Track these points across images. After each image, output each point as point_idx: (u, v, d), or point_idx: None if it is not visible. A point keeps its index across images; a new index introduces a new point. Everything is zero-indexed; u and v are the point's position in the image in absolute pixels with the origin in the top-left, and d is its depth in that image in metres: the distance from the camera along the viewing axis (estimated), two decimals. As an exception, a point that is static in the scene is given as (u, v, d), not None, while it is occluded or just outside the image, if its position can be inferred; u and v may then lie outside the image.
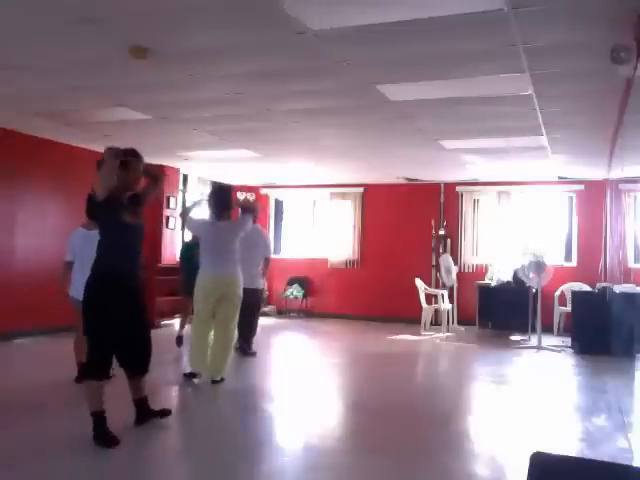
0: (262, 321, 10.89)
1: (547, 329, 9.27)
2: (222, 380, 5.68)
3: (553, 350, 8.21)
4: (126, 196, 3.99)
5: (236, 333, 6.00)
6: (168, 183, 10.30)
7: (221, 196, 5.90)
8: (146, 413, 4.12)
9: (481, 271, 10.82)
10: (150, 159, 9.93)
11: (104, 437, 3.70)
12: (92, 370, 3.78)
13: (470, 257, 11.11)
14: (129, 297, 3.92)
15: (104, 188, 3.80)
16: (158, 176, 4.43)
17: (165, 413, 4.20)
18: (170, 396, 5.47)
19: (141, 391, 4.12)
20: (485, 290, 9.91)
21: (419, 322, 9.90)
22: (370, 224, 11.78)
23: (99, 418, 3.75)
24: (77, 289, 4.68)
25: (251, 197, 11.55)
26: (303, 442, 4.18)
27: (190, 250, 6.13)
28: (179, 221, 10.87)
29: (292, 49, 4.57)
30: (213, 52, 4.71)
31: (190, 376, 5.78)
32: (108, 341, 3.82)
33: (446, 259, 10.48)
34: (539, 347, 8.33)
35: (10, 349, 7.36)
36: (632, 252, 10.00)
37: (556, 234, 10.86)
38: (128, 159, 3.95)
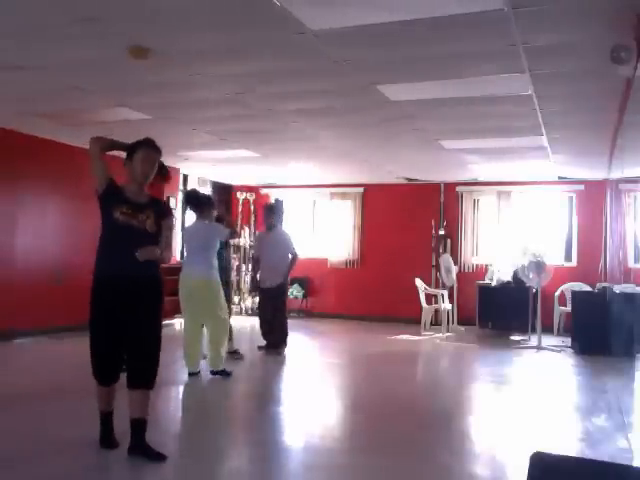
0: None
1: (547, 329, 9.27)
2: (225, 373, 5.79)
3: (553, 350, 8.21)
4: (139, 193, 3.61)
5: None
6: (168, 183, 10.29)
7: (189, 198, 6.28)
8: (140, 443, 3.51)
9: (481, 271, 10.81)
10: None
11: (105, 438, 3.68)
12: (96, 376, 3.61)
13: (470, 257, 11.11)
14: (130, 302, 3.51)
15: (98, 177, 3.55)
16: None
17: (160, 458, 3.49)
18: (170, 396, 5.47)
19: (139, 410, 3.53)
20: (485, 290, 9.91)
21: (419, 322, 9.90)
22: (370, 224, 11.77)
23: (104, 418, 3.70)
24: None
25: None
26: (303, 442, 4.17)
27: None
28: (179, 221, 10.89)
29: (292, 49, 4.57)
30: (213, 52, 4.72)
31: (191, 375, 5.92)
32: (106, 346, 3.55)
33: (446, 259, 10.48)
34: (539, 347, 8.32)
35: (10, 349, 7.37)
36: (632, 252, 9.99)
37: (556, 234, 10.85)
38: (136, 149, 3.60)
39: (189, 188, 6.83)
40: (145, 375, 3.54)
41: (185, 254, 6.21)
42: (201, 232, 5.94)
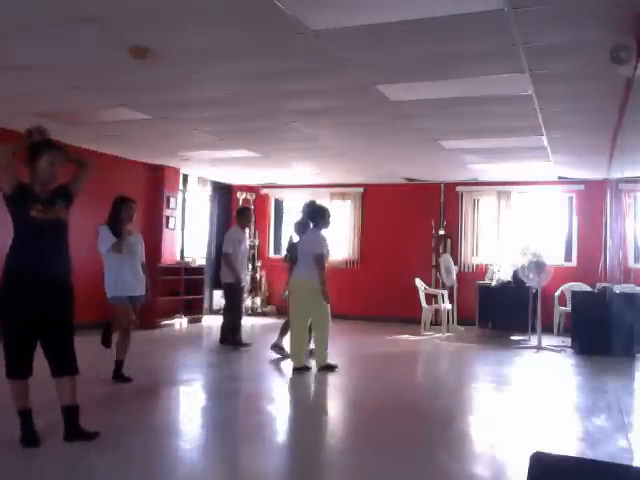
0: (262, 321, 10.95)
1: (547, 329, 9.26)
2: (303, 369, 6.22)
3: (553, 350, 8.21)
4: (44, 190, 3.73)
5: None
6: (168, 183, 10.31)
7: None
8: (75, 429, 3.72)
9: (481, 271, 10.81)
10: (150, 159, 9.91)
11: (27, 437, 3.64)
12: (12, 371, 3.66)
13: (470, 257, 11.11)
14: (45, 298, 3.65)
15: (6, 181, 3.62)
16: (83, 162, 4.03)
17: (95, 436, 3.73)
18: (170, 396, 5.47)
19: (68, 397, 3.72)
20: (485, 290, 9.90)
21: (419, 322, 9.90)
22: (370, 224, 11.76)
23: (25, 416, 3.68)
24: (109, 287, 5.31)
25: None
26: (303, 442, 4.18)
27: (295, 249, 6.75)
28: (179, 221, 10.90)
29: (292, 49, 4.57)
30: (213, 52, 4.71)
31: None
32: (22, 342, 3.65)
33: (446, 259, 10.47)
34: (539, 347, 8.32)
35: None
36: (632, 252, 9.99)
37: (556, 234, 10.85)
38: (40, 153, 3.73)
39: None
40: (70, 362, 3.73)
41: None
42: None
